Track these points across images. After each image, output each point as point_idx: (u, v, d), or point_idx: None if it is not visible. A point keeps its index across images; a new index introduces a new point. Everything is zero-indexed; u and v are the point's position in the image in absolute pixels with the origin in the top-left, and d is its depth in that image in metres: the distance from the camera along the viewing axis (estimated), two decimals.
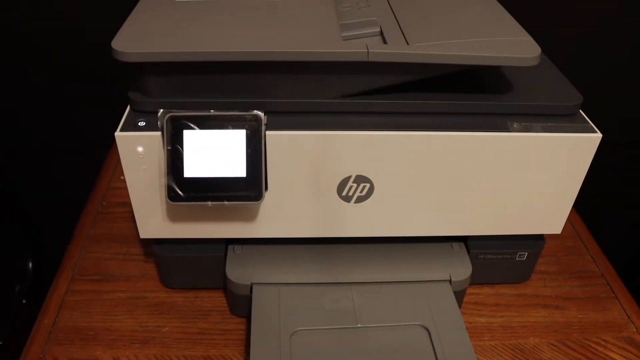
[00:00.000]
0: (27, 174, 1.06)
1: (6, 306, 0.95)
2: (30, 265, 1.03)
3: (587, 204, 0.75)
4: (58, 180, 1.05)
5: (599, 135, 0.53)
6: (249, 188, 0.51)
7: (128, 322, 0.61)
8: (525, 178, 0.55)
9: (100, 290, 0.64)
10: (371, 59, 0.49)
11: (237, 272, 0.59)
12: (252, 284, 0.58)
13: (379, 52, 0.49)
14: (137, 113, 0.52)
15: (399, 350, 0.53)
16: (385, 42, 0.53)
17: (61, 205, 0.94)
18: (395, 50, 0.49)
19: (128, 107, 0.53)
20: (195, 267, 0.62)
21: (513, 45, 0.51)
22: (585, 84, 0.64)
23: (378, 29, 0.56)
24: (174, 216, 0.56)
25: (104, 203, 0.77)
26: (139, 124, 0.51)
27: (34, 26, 0.90)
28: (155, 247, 0.61)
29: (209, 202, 0.51)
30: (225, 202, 0.51)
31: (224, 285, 0.61)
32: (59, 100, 0.99)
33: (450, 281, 0.60)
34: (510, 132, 0.52)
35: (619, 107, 1.06)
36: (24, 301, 0.98)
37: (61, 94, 0.98)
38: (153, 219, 0.56)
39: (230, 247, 0.61)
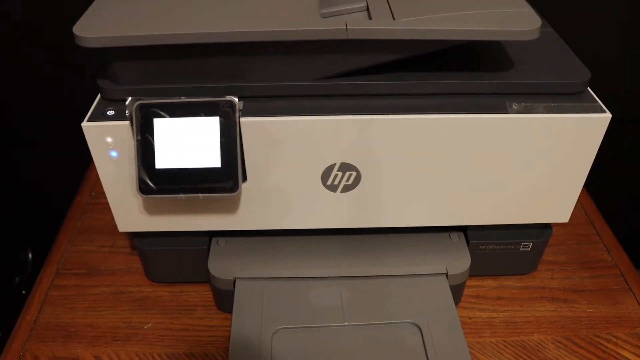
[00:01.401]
0: (26, 164, 1.05)
1: (6, 298, 0.95)
2: (30, 256, 1.03)
3: (601, 189, 0.70)
4: (57, 171, 1.04)
5: (608, 116, 0.48)
6: (224, 179, 0.48)
7: (111, 318, 0.59)
8: (527, 163, 0.51)
9: (84, 285, 0.62)
10: (350, 36, 0.45)
11: (220, 266, 0.56)
12: (234, 278, 0.55)
13: (358, 28, 0.44)
14: (106, 102, 0.50)
15: (387, 350, 0.50)
16: (370, 18, 0.49)
17: (61, 196, 0.93)
18: (377, 27, 0.45)
19: (98, 96, 0.50)
20: (178, 261, 0.60)
21: (510, 18, 0.46)
22: (596, 58, 0.58)
23: (364, 4, 0.51)
24: (151, 209, 0.53)
25: (93, 194, 0.75)
26: (108, 113, 0.48)
27: (32, 17, 0.88)
28: (137, 240, 0.58)
29: (182, 195, 0.48)
30: (200, 195, 0.48)
31: (208, 279, 0.59)
32: (59, 93, 0.97)
33: (446, 275, 0.56)
34: (508, 113, 0.48)
35: (631, 82, 0.99)
36: (23, 292, 0.98)
37: (60, 88, 0.96)
38: (130, 211, 0.53)
39: (214, 239, 0.59)
